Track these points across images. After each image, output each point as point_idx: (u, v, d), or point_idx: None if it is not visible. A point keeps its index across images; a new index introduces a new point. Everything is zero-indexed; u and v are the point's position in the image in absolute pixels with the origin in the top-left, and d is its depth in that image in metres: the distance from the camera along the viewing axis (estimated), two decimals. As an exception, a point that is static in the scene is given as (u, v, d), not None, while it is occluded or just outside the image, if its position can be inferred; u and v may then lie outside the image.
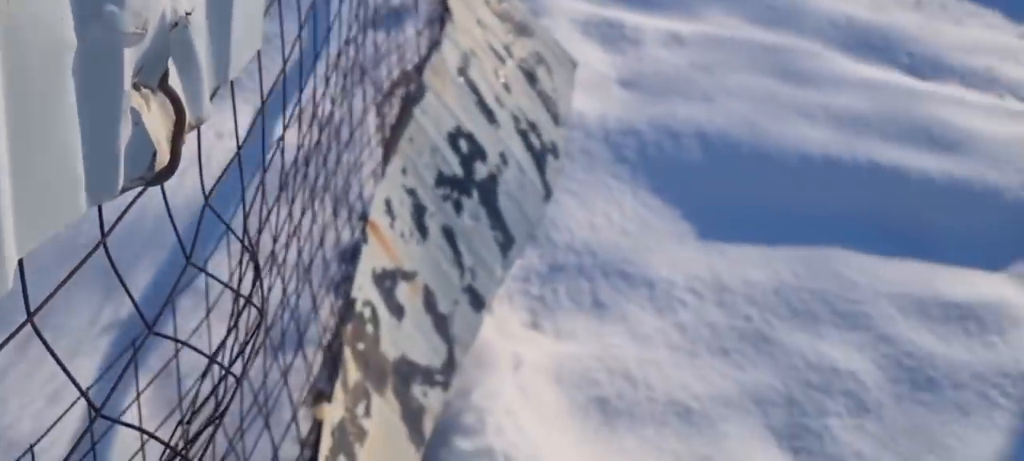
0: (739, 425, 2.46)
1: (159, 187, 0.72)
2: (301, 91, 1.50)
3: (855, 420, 2.50)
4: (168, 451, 1.06)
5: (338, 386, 1.82)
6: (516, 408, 2.35)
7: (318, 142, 1.89)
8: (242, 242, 1.01)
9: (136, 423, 1.16)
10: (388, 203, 2.05)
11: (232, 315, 1.07)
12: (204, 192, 0.88)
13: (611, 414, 2.45)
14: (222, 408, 1.04)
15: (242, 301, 1.04)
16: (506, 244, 2.39)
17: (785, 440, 2.44)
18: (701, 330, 2.72)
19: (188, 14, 0.66)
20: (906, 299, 2.84)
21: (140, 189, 0.71)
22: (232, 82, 0.80)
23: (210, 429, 1.05)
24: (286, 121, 1.31)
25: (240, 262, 1.11)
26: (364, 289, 1.99)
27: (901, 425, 2.49)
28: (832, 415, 2.50)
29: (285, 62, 1.31)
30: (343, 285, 2.16)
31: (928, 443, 2.44)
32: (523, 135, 2.55)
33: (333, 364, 1.82)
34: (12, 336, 0.73)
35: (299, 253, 1.71)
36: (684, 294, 2.83)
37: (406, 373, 2.12)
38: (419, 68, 2.34)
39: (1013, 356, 2.69)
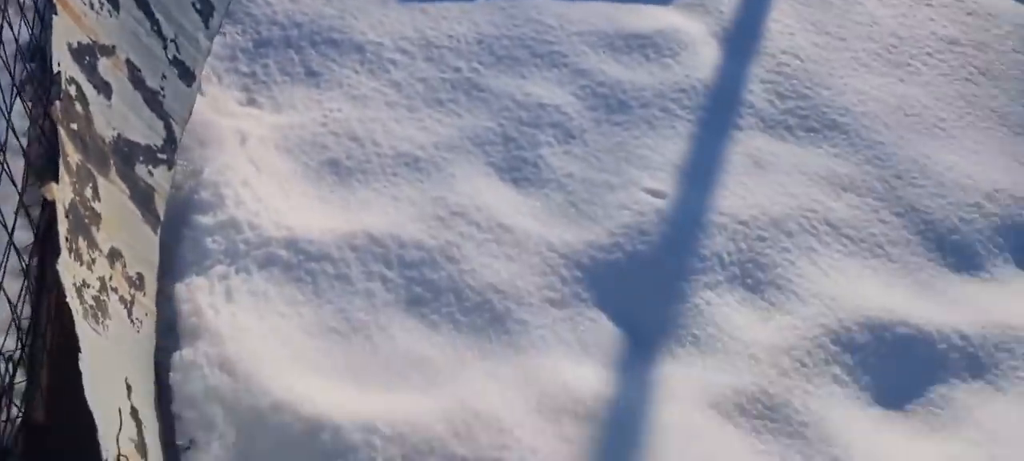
0: (464, 166, 2.60)
1: None
2: None
3: (564, 146, 2.73)
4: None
5: (61, 166, 1.70)
6: (251, 180, 2.31)
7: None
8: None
9: None
10: (74, -33, 1.87)
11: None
12: None
13: (344, 173, 2.49)
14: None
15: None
16: (206, 11, 2.28)
17: (506, 173, 2.62)
18: (415, 85, 2.79)
19: None
20: (594, 35, 3.08)
21: None
22: None
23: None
24: None
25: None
26: (65, 64, 1.83)
27: (603, 145, 2.75)
28: (544, 145, 2.71)
29: None
30: (36, 72, 1.97)
31: (626, 156, 2.73)
32: None
33: (49, 143, 1.69)
34: None
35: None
36: (394, 54, 2.87)
37: (127, 153, 2.01)
38: None
39: (685, 74, 3.04)
